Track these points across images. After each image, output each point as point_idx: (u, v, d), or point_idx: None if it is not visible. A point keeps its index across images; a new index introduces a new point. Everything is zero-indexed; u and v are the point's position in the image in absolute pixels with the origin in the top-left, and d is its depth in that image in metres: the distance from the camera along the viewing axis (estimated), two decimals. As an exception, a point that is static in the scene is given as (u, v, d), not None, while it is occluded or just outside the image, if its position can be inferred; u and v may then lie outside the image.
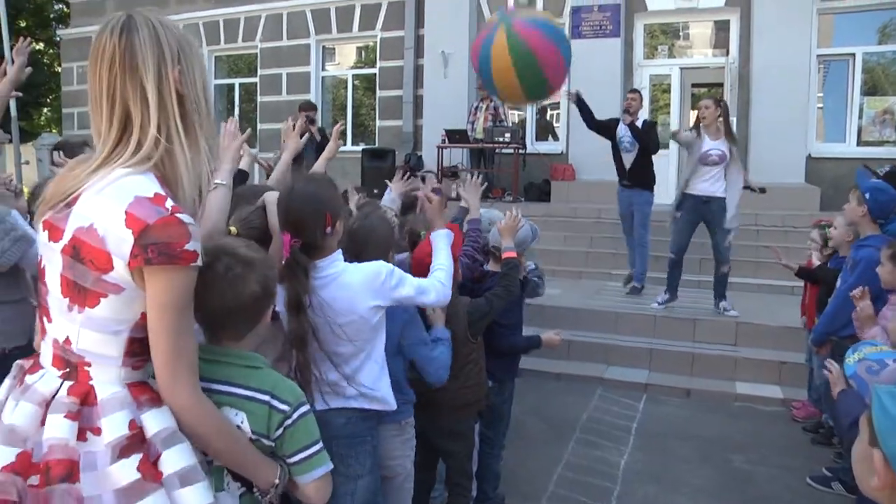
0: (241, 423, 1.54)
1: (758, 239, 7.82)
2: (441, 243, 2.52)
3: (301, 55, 12.68)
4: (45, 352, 1.41)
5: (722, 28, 10.58)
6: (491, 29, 3.73)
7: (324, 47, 12.87)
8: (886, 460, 1.03)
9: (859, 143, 10.00)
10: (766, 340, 5.78)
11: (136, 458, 1.32)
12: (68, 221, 1.34)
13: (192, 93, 1.42)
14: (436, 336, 2.66)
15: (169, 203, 1.33)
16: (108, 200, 1.31)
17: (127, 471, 1.31)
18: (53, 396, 1.34)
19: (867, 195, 3.73)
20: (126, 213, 1.29)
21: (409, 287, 2.23)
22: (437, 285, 2.33)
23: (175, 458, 1.36)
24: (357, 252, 2.33)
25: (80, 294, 1.33)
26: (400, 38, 11.75)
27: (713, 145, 6.13)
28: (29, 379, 1.39)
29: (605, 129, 7.02)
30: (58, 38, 20.39)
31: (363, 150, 11.27)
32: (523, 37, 3.65)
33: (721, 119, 6.19)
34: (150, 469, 1.33)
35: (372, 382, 2.20)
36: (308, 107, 9.00)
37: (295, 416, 1.58)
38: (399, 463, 2.53)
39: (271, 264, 1.75)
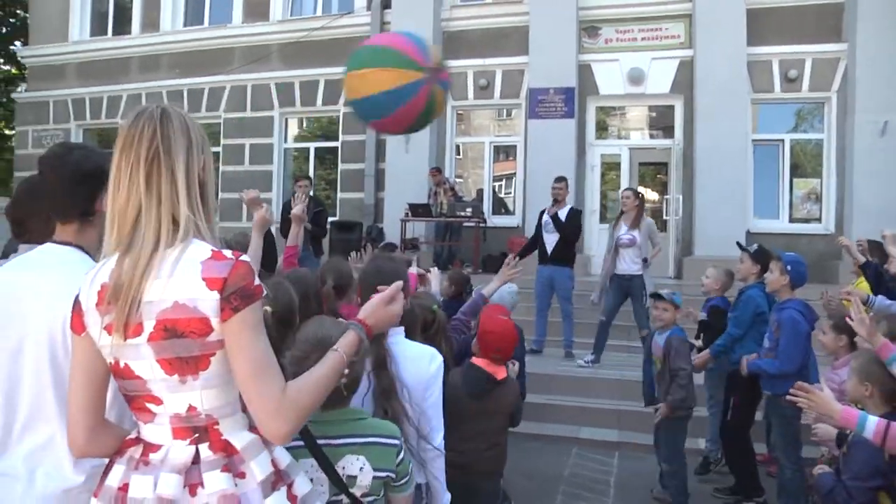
0: (363, 465, 1.82)
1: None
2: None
3: (264, 126, 13.01)
4: (159, 432, 1.50)
5: (667, 112, 11.39)
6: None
7: (286, 119, 13.25)
8: None
9: (791, 219, 10.87)
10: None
11: (283, 490, 1.53)
12: (143, 313, 1.43)
13: (209, 179, 1.60)
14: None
15: (227, 252, 1.48)
16: (183, 277, 1.43)
17: (280, 502, 1.51)
18: (194, 462, 1.47)
19: (789, 267, 4.39)
20: (203, 279, 1.43)
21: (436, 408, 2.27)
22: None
23: (302, 483, 1.60)
24: None
25: (188, 364, 1.44)
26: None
27: (625, 230, 7.21)
28: (154, 458, 1.48)
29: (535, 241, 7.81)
30: (3, 100, 20.14)
31: (331, 222, 11.44)
32: None
33: (637, 208, 7.30)
34: (293, 497, 1.55)
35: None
36: (303, 177, 9.05)
37: (403, 446, 1.90)
38: None
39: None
